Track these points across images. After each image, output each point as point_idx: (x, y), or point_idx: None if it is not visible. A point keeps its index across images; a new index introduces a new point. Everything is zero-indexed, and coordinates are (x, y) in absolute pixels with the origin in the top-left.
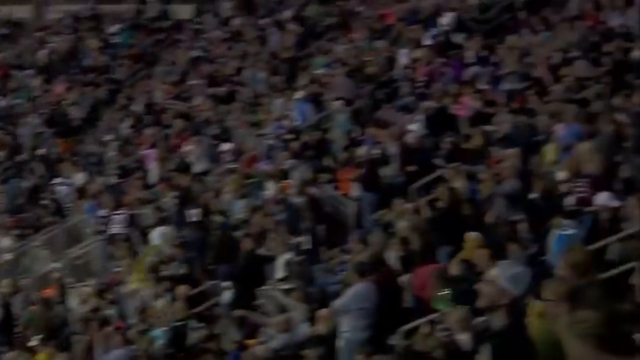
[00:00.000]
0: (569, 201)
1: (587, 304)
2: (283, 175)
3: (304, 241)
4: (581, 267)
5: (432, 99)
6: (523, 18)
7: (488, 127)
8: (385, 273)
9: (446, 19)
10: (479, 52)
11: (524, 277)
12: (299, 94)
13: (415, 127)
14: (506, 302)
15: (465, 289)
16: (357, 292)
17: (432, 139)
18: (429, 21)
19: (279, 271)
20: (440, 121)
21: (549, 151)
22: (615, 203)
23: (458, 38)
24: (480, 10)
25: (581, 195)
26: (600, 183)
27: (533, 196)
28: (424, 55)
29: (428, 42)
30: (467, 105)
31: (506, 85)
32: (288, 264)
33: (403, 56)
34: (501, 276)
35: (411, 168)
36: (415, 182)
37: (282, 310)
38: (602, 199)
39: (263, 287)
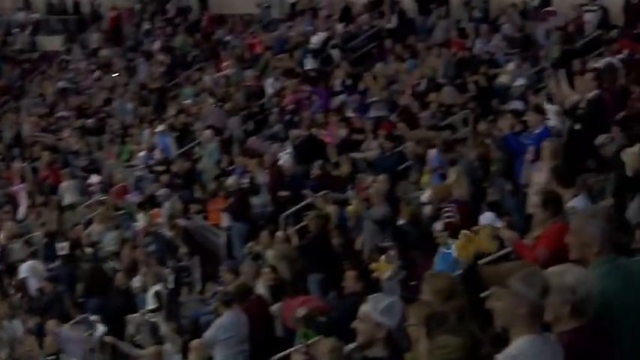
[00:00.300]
0: (437, 226)
1: (447, 330)
2: (153, 205)
3: (171, 275)
4: (444, 293)
5: (300, 127)
6: (389, 46)
7: (356, 154)
8: (254, 301)
9: (317, 38)
10: (345, 81)
11: (397, 307)
12: (160, 128)
13: (284, 156)
14: (382, 336)
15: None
16: (224, 321)
17: (301, 167)
18: (296, 50)
19: (150, 303)
20: (309, 149)
21: (424, 176)
22: (499, 223)
23: (324, 66)
24: (346, 38)
25: (448, 220)
26: (467, 208)
27: (401, 222)
28: (291, 84)
29: (296, 70)
30: (334, 133)
31: (374, 113)
32: (158, 295)
33: (270, 85)
34: (373, 310)
35: (283, 193)
36: (285, 211)
37: (156, 341)
38: (487, 218)
39: (134, 316)
